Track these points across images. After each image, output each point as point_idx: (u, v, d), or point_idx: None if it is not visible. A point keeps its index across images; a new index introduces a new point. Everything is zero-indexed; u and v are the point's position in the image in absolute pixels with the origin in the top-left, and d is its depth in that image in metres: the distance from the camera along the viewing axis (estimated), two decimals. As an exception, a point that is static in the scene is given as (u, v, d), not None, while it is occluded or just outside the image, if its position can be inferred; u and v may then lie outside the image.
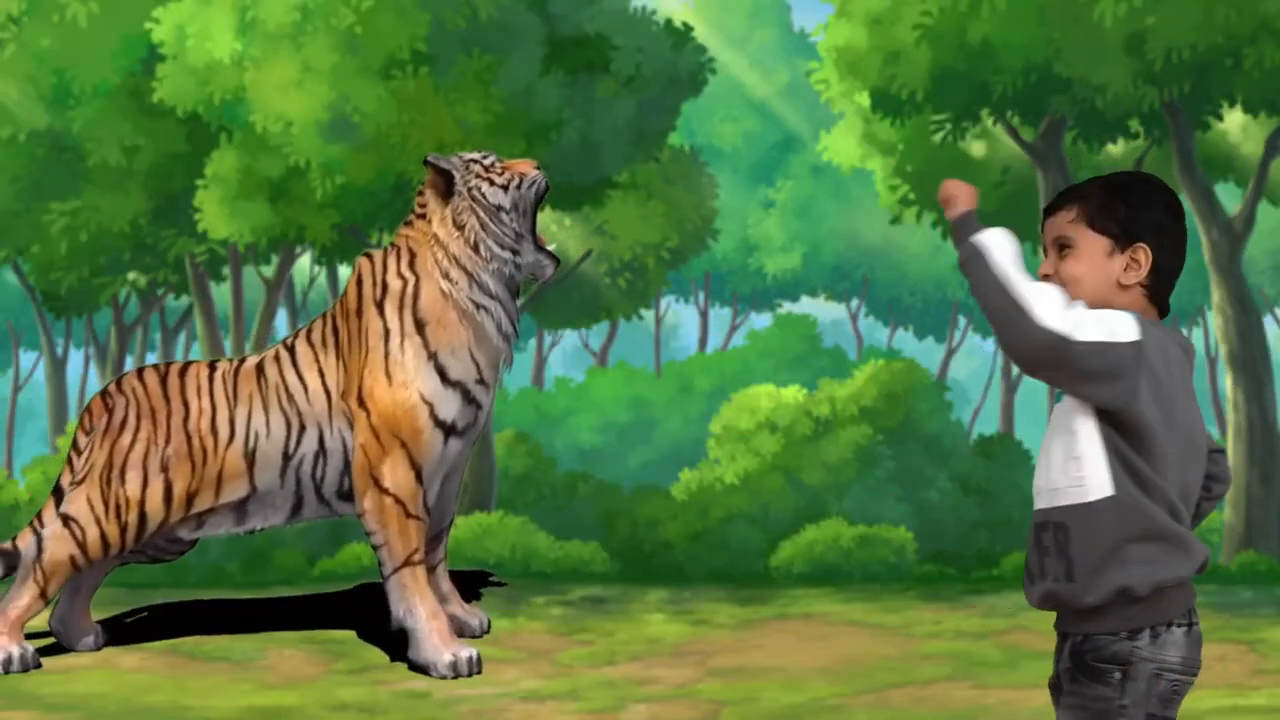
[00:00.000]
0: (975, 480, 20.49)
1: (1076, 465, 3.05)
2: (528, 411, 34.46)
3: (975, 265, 3.09)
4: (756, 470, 20.12)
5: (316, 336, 7.07)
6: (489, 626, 7.41)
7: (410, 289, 6.91)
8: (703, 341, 44.89)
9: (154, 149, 19.45)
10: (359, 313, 6.97)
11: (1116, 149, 21.25)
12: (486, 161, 6.97)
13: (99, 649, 7.37)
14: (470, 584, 9.25)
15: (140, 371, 7.21)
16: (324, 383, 6.98)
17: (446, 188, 6.93)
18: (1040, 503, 3.14)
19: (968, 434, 24.03)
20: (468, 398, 6.92)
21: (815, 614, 9.00)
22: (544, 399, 36.56)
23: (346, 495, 7.02)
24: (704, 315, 44.92)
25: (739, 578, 15.15)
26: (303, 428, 6.96)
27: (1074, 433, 3.06)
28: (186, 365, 7.19)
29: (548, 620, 8.68)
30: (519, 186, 6.92)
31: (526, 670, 7.27)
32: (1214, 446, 3.27)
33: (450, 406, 6.86)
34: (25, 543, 7.03)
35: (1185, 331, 43.34)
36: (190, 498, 6.92)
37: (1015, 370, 32.42)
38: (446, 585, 7.29)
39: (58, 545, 6.91)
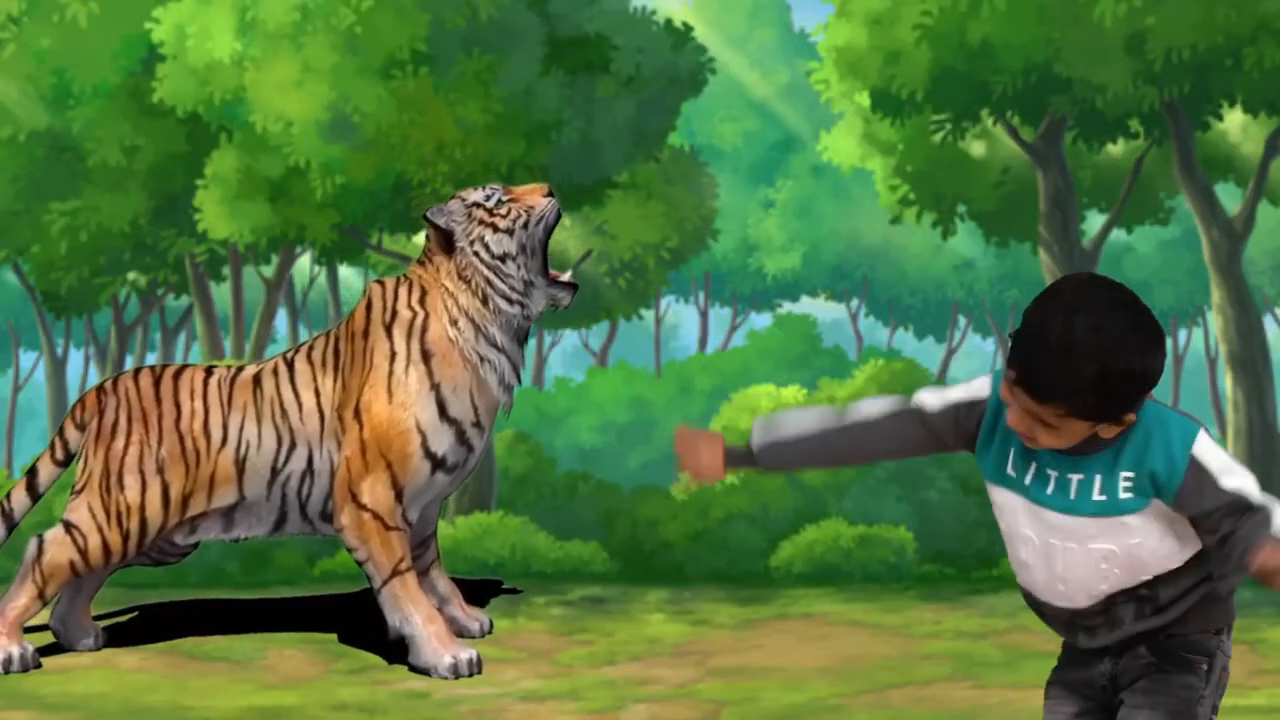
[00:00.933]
0: (975, 480, 20.49)
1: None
2: (528, 411, 34.47)
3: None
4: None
5: (317, 355, 7.02)
6: (491, 628, 7.39)
7: (420, 321, 6.82)
8: (703, 341, 44.92)
9: (154, 149, 19.46)
10: (365, 334, 6.90)
11: (1116, 149, 21.26)
12: (490, 203, 6.71)
13: (99, 649, 7.37)
14: (478, 589, 9.27)
15: (136, 372, 7.18)
16: (319, 403, 6.93)
17: (448, 243, 6.75)
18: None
19: (968, 434, 23.99)
20: (461, 438, 6.84)
21: (815, 614, 9.00)
22: (544, 399, 36.58)
23: (329, 518, 7.01)
24: (704, 315, 44.95)
25: (739, 578, 15.14)
26: (293, 445, 6.92)
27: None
28: (182, 368, 7.16)
29: (548, 620, 8.68)
30: (525, 225, 6.71)
31: (526, 670, 7.27)
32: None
33: (443, 441, 6.80)
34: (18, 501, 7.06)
35: (1185, 332, 43.31)
36: (185, 500, 6.91)
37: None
38: (444, 585, 7.27)
39: (58, 550, 6.90)
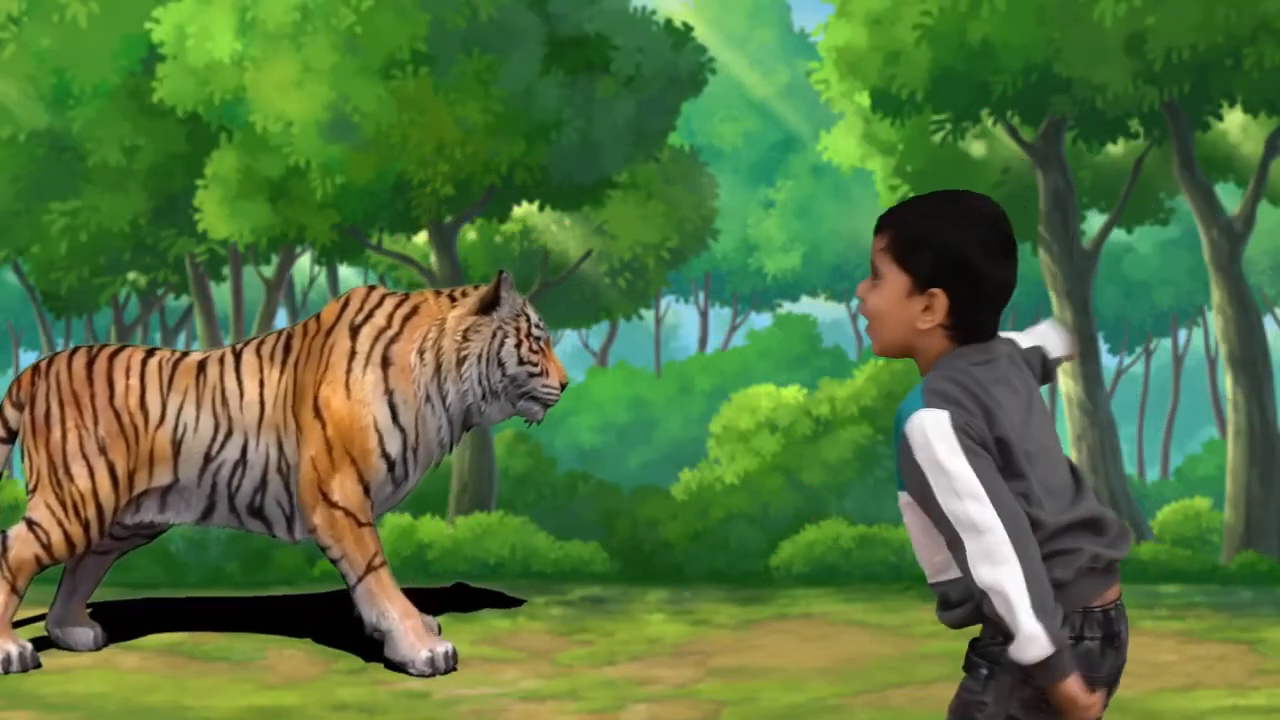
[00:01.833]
0: (975, 480, 20.47)
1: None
2: (528, 411, 34.43)
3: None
4: (756, 470, 20.12)
5: (266, 350, 7.12)
6: (439, 631, 7.48)
7: (391, 333, 6.98)
8: (703, 341, 44.91)
9: (154, 149, 19.45)
10: (328, 333, 7.01)
11: (1116, 149, 21.25)
12: (537, 329, 6.99)
13: (99, 649, 7.37)
14: (478, 596, 9.27)
15: (71, 353, 7.18)
16: (261, 394, 7.01)
17: (490, 303, 6.95)
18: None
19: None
20: (404, 452, 6.98)
21: (815, 614, 9.00)
22: (544, 399, 36.52)
23: (256, 512, 7.09)
24: (704, 315, 44.93)
25: (739, 578, 15.15)
26: (229, 433, 7.00)
27: None
28: (120, 348, 7.19)
29: (548, 620, 8.68)
30: (531, 375, 6.97)
31: (526, 670, 7.27)
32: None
33: (394, 445, 6.96)
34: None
35: (1185, 332, 43.28)
36: (131, 477, 6.99)
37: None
38: None
39: (23, 546, 6.99)
